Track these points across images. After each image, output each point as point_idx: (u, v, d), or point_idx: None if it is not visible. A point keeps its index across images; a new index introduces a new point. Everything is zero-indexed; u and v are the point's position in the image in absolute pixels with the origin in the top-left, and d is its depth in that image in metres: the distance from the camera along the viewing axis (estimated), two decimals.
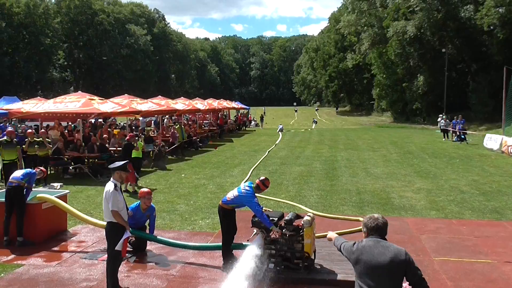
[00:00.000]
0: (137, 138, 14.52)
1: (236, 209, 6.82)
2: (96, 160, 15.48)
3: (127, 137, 12.78)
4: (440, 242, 7.82)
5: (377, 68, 54.11)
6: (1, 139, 12.15)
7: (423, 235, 8.28)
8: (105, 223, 7.55)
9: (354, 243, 3.61)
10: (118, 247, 5.72)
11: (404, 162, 17.87)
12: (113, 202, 5.68)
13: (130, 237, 7.26)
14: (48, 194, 8.26)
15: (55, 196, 8.11)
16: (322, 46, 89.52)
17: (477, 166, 16.61)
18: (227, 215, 6.69)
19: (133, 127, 24.52)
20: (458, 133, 26.04)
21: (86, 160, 15.42)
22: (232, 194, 6.65)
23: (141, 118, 26.56)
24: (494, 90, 33.04)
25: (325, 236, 5.60)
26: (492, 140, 22.27)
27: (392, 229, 8.55)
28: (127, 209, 6.27)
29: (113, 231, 5.77)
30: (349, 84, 78.38)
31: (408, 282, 3.46)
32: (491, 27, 32.24)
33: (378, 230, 3.54)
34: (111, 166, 6.07)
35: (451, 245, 7.70)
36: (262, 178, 6.70)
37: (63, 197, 8.43)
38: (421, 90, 44.91)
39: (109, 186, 5.82)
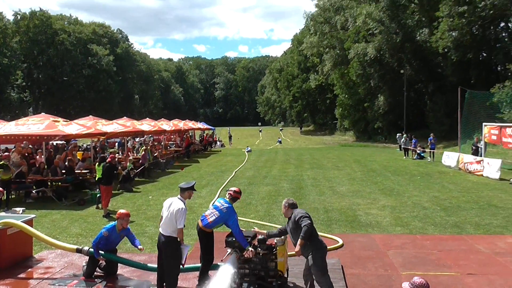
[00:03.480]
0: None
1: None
2: (60, 183, 15.13)
3: (108, 159, 12.56)
4: (406, 257, 8.12)
5: (339, 88, 55.43)
6: None
7: (390, 250, 8.56)
8: (74, 247, 7.55)
9: (306, 216, 5.79)
10: (183, 261, 6.24)
11: (368, 180, 18.35)
12: (184, 220, 6.10)
13: (102, 261, 7.22)
14: (12, 219, 8.04)
15: (21, 221, 7.91)
16: (286, 66, 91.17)
17: (437, 183, 17.27)
18: (209, 237, 6.68)
19: (97, 149, 24.05)
20: (418, 150, 27.05)
21: (49, 183, 15.04)
22: (212, 215, 6.57)
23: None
24: (450, 110, 34.44)
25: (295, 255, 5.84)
26: (450, 158, 23.21)
27: (360, 246, 8.85)
28: None
29: (174, 246, 6.16)
30: (313, 104, 79.81)
31: None
32: (446, 50, 33.79)
33: (295, 204, 6.10)
34: (184, 185, 6.43)
35: (417, 259, 8.01)
36: (232, 188, 6.86)
37: (29, 222, 8.22)
38: (381, 110, 46.32)
39: (179, 203, 6.20)
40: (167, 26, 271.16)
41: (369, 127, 50.64)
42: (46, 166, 15.58)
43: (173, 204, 6.23)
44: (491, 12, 30.16)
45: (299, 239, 5.58)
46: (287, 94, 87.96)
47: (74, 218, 11.71)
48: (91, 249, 7.19)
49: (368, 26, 42.98)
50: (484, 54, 37.07)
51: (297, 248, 5.60)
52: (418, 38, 39.57)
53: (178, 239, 6.18)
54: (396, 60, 43.82)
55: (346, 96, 53.92)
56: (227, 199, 6.71)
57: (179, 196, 6.35)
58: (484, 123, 21.22)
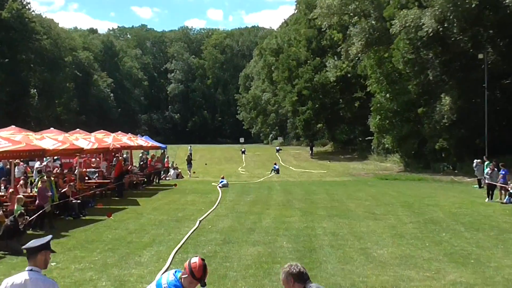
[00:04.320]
0: None
1: None
2: None
3: None
4: None
5: (376, 83, 55.88)
6: None
7: None
8: None
9: None
10: None
11: (426, 237, 18.26)
12: None
13: None
14: None
15: None
16: (287, 46, 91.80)
17: None
18: None
19: None
20: (510, 189, 27.08)
21: None
22: None
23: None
24: None
25: None
26: None
27: None
28: None
29: None
30: (331, 108, 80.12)
31: None
32: None
33: (305, 274, 6.05)
34: (33, 245, 6.05)
35: None
36: (194, 259, 6.62)
37: None
38: (447, 120, 46.49)
39: (42, 279, 5.98)
40: None
41: (425, 148, 50.96)
42: None
43: (30, 284, 5.93)
44: None
45: None
46: (288, 91, 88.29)
47: None
48: None
49: None
50: None
51: None
52: (507, 1, 40.11)
53: None
54: (470, 39, 44.33)
55: (388, 96, 54.26)
56: (181, 274, 6.55)
57: (30, 267, 6.06)
58: None
